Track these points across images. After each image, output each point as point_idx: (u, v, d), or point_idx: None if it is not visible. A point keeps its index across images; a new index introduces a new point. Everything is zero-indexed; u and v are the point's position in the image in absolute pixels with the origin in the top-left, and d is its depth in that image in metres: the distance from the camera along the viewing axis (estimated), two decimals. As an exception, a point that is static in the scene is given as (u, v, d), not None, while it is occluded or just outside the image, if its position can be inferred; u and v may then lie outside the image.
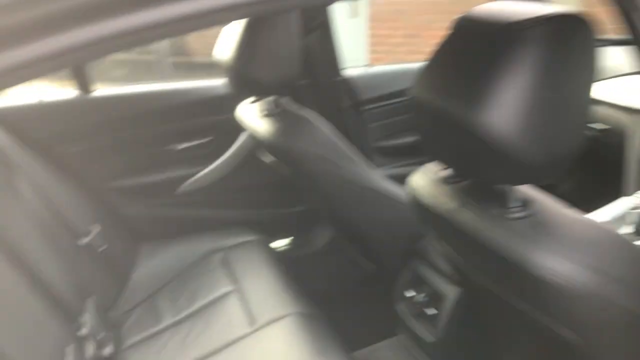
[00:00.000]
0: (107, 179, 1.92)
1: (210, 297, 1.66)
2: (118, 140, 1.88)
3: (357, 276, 1.80)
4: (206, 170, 1.95)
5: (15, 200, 1.58)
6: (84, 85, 1.84)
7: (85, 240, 1.71)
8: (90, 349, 1.47)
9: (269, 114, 1.56)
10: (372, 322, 1.71)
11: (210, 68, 1.78)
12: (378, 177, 1.54)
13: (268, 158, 1.72)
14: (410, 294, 1.57)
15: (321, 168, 1.50)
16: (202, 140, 1.95)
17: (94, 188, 1.90)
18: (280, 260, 1.81)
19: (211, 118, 1.94)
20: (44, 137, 1.80)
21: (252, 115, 1.63)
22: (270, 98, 1.57)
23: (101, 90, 1.89)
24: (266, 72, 1.48)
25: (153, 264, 1.90)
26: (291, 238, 2.13)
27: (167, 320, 1.65)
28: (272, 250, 1.88)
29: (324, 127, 1.52)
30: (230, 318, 1.56)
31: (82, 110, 1.84)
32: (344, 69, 2.08)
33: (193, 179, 1.96)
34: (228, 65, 1.51)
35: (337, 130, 1.54)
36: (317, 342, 1.42)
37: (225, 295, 1.65)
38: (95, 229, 1.75)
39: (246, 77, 1.50)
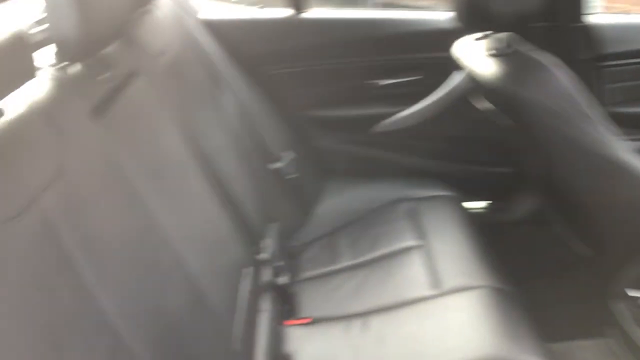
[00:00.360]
0: (306, 107, 1.85)
1: (393, 247, 1.53)
2: (323, 67, 1.78)
3: (565, 258, 1.53)
4: (408, 111, 1.78)
5: (216, 113, 1.56)
6: (299, 3, 1.75)
7: (276, 165, 1.67)
8: (266, 274, 1.43)
9: (498, 53, 1.33)
10: (577, 315, 1.46)
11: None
12: (623, 147, 1.25)
13: (483, 105, 1.51)
14: (634, 293, 1.28)
15: (551, 124, 1.25)
16: (409, 78, 1.78)
17: (292, 114, 1.85)
18: (474, 223, 1.61)
19: (424, 54, 1.75)
20: (251, 55, 1.77)
21: (476, 54, 1.41)
22: (503, 35, 1.34)
23: (315, 11, 1.79)
24: (504, 3, 1.25)
25: (338, 201, 1.81)
26: (488, 202, 1.90)
27: (345, 262, 1.55)
28: (466, 210, 1.68)
29: (563, 77, 1.26)
30: (412, 275, 1.42)
31: (293, 31, 1.76)
32: (586, 14, 1.74)
33: (392, 118, 1.81)
34: None
35: (580, 84, 1.27)
36: (510, 323, 1.22)
37: (409, 250, 1.50)
38: (288, 156, 1.70)
39: (479, 9, 1.28)
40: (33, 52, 0.72)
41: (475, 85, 1.47)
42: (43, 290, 0.63)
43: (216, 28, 1.74)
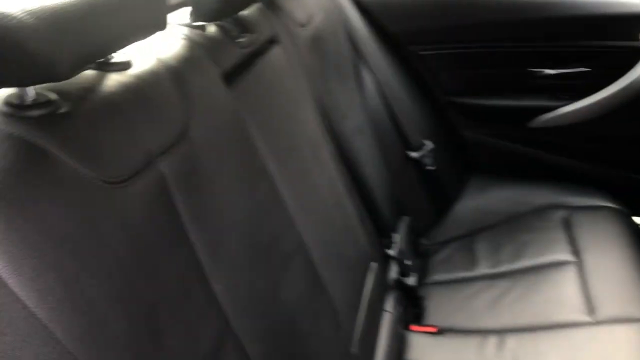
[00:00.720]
0: (453, 93, 1.69)
1: (541, 259, 1.34)
2: (477, 49, 1.60)
3: None
4: (575, 105, 1.55)
5: (356, 92, 1.46)
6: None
7: (415, 154, 1.54)
8: (393, 272, 1.31)
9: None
10: None
11: None
12: None
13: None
14: None
15: None
16: (576, 69, 1.55)
17: (436, 100, 1.69)
18: (641, 242, 1.37)
19: (602, 42, 1.51)
20: (399, 33, 1.64)
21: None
22: None
23: (474, -12, 1.62)
24: None
25: (480, 199, 1.64)
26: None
27: (483, 269, 1.39)
28: (634, 226, 1.43)
29: None
30: (562, 295, 1.22)
31: (447, 9, 1.60)
32: None
33: (554, 113, 1.59)
34: None
35: None
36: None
37: (560, 265, 1.30)
38: (428, 145, 1.56)
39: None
40: (166, 5, 0.66)
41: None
42: (149, 266, 0.56)
43: (364, 3, 1.63)
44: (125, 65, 0.66)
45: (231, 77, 0.85)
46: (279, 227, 0.83)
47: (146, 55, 0.71)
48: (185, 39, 0.80)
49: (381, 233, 1.29)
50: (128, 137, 0.59)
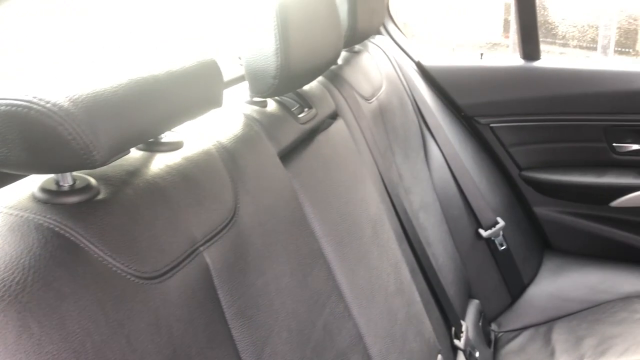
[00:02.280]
0: (527, 167, 1.59)
1: (632, 357, 1.19)
2: (553, 122, 1.51)
3: None
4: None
5: (424, 165, 1.40)
6: (530, 51, 1.52)
7: (486, 232, 1.44)
8: (461, 363, 1.19)
9: None
10: None
11: None
12: None
13: None
14: None
15: None
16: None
17: (508, 174, 1.60)
18: None
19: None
20: (469, 105, 1.57)
21: None
22: None
23: (547, 60, 1.54)
24: None
25: (557, 283, 1.50)
26: None
27: (561, 363, 1.25)
28: None
29: None
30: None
31: (521, 80, 1.53)
32: None
33: (638, 192, 1.46)
34: None
35: None
36: None
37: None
38: (500, 223, 1.45)
39: None
40: (222, 81, 0.63)
41: None
42: None
43: (434, 74, 1.59)
44: (175, 146, 0.63)
45: (289, 154, 0.81)
46: (335, 319, 0.76)
47: (199, 134, 0.68)
48: (242, 115, 0.77)
49: (448, 320, 1.18)
50: (171, 225, 0.54)
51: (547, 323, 1.40)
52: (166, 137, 0.63)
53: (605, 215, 1.54)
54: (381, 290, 0.90)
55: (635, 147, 1.47)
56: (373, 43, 1.44)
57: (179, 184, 0.58)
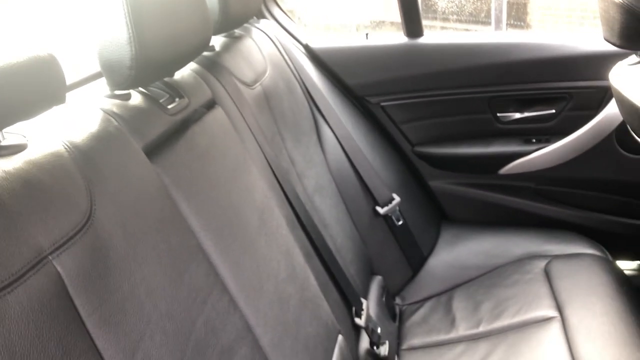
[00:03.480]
0: (419, 143, 1.63)
1: (523, 317, 1.25)
2: (441, 97, 1.55)
3: None
4: (545, 150, 1.49)
5: (317, 148, 1.39)
6: (413, 29, 1.55)
7: (383, 209, 1.46)
8: (364, 342, 1.21)
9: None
10: None
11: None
12: None
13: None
14: None
15: None
16: (546, 112, 1.50)
17: (400, 151, 1.63)
18: (627, 291, 1.28)
19: (565, 84, 1.46)
20: (359, 85, 1.58)
21: (635, 81, 1.12)
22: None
23: (431, 36, 1.58)
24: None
25: (455, 253, 1.55)
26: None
27: (462, 330, 1.29)
28: (618, 273, 1.35)
29: None
30: (547, 355, 1.13)
31: (407, 58, 1.56)
32: None
33: (524, 159, 1.53)
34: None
35: None
36: None
37: (543, 322, 1.21)
38: (396, 199, 1.48)
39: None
40: (63, 77, 0.58)
41: (631, 120, 1.17)
42: None
43: (322, 56, 1.58)
44: (17, 149, 0.58)
45: (157, 148, 0.77)
46: (217, 315, 0.73)
47: (47, 135, 0.63)
48: (100, 111, 0.72)
49: (349, 300, 1.19)
50: (9, 236, 0.50)
51: (448, 292, 1.45)
52: (6, 140, 0.58)
53: (494, 184, 1.60)
54: (270, 279, 0.89)
55: (517, 115, 1.53)
56: (257, 27, 1.42)
57: (19, 190, 0.53)
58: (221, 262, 0.79)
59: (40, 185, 0.56)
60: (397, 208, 1.48)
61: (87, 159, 0.63)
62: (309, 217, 1.16)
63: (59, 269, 0.53)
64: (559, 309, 1.22)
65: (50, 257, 0.53)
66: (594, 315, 1.18)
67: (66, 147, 0.62)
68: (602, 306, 1.20)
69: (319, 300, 1.04)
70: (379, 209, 1.45)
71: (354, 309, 1.19)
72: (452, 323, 1.33)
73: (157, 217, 0.70)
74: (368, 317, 1.21)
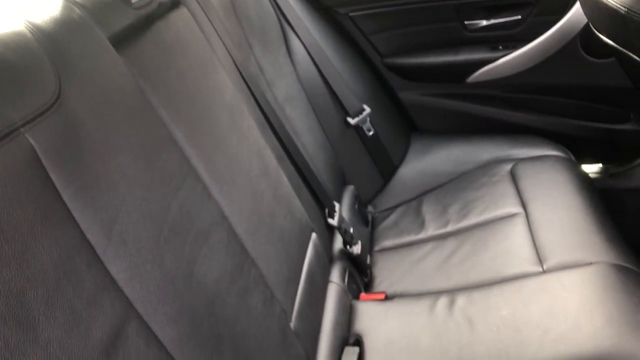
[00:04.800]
0: (386, 54, 1.63)
1: (489, 215, 1.30)
2: (406, 6, 1.55)
3: None
4: (510, 56, 1.51)
5: (286, 59, 1.39)
6: None
7: (353, 120, 1.48)
8: (338, 242, 1.26)
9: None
10: None
11: None
12: None
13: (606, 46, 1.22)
14: None
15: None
16: (513, 18, 1.51)
17: (370, 62, 1.63)
18: (590, 189, 1.34)
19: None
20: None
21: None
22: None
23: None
24: None
25: (425, 161, 1.60)
26: (605, 165, 1.61)
27: (431, 231, 1.35)
28: (579, 173, 1.41)
29: None
30: (510, 248, 1.19)
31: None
32: None
33: (489, 66, 1.55)
34: None
35: None
36: (634, 310, 0.96)
37: (508, 218, 1.27)
38: (366, 110, 1.50)
39: None
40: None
41: (597, 21, 1.19)
42: (15, 249, 0.49)
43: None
44: None
45: (123, 40, 0.77)
46: (192, 202, 0.76)
47: (12, 18, 0.63)
48: (61, 1, 0.72)
49: (321, 202, 1.23)
50: None
51: (418, 198, 1.50)
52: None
53: (462, 93, 1.63)
54: (243, 174, 0.92)
55: (484, 23, 1.54)
56: None
57: None
58: (193, 154, 0.81)
59: (5, 63, 0.56)
60: (368, 119, 1.50)
61: (51, 42, 0.63)
62: (279, 122, 1.18)
63: (31, 141, 0.55)
64: (523, 205, 1.28)
65: (22, 130, 0.54)
66: (555, 209, 1.24)
67: (30, 29, 0.62)
68: (564, 201, 1.26)
69: (292, 198, 1.08)
70: (349, 119, 1.48)
71: (326, 210, 1.23)
72: (421, 225, 1.38)
73: (127, 105, 0.71)
74: (341, 219, 1.25)
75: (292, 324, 0.92)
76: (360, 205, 1.45)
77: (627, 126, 1.54)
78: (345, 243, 1.25)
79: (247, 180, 0.92)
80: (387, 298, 1.20)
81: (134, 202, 0.65)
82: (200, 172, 0.80)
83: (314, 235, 1.12)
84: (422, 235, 1.35)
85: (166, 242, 0.68)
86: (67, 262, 0.54)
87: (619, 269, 1.06)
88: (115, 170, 0.64)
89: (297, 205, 1.08)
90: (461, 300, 1.09)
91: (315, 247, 1.12)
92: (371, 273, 1.29)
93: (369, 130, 1.51)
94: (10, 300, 0.47)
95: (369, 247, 1.36)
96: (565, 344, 0.92)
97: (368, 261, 1.31)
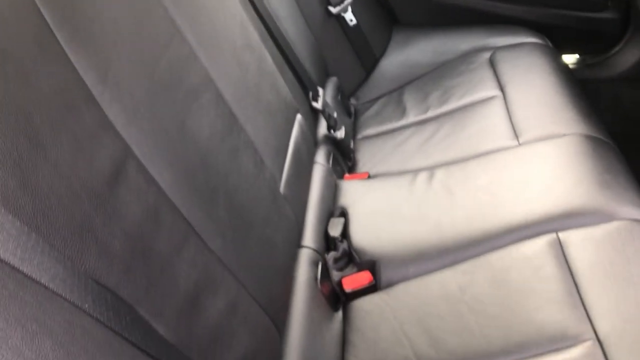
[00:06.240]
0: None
1: (468, 99, 1.34)
2: None
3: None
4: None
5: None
6: None
7: (335, 9, 1.48)
8: (322, 127, 1.29)
9: None
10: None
11: None
12: None
13: None
14: None
15: None
16: None
17: None
18: (564, 71, 1.38)
19: None
20: None
21: None
22: None
23: None
24: None
25: (406, 53, 1.61)
26: (583, 54, 1.65)
27: (411, 117, 1.38)
28: (557, 58, 1.44)
29: None
30: (488, 127, 1.24)
31: None
32: None
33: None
34: None
35: None
36: (603, 172, 1.03)
37: (486, 101, 1.31)
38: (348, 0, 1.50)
39: None
40: None
41: None
42: (20, 72, 0.51)
43: None
44: None
45: None
46: (180, 61, 0.78)
47: None
48: None
49: (305, 85, 1.25)
50: None
51: (399, 89, 1.52)
52: None
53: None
54: (227, 42, 0.93)
55: None
56: None
57: None
58: (177, 14, 0.81)
59: None
60: (349, 8, 1.50)
61: None
62: (263, 7, 1.18)
63: None
64: (501, 88, 1.31)
65: None
66: (532, 89, 1.28)
67: None
68: (541, 82, 1.30)
69: (277, 75, 1.09)
70: (331, 8, 1.47)
71: (310, 93, 1.25)
72: (402, 112, 1.42)
73: None
74: (325, 103, 1.28)
75: (281, 189, 0.96)
76: (343, 97, 1.48)
77: (605, 14, 1.56)
78: (329, 127, 1.28)
79: (232, 49, 0.93)
80: (370, 177, 1.25)
81: (126, 51, 0.67)
82: (186, 35, 0.81)
83: (299, 116, 1.15)
84: (403, 121, 1.39)
85: (157, 94, 0.71)
86: (67, 95, 0.56)
87: (590, 139, 1.11)
88: (107, 18, 0.66)
89: (281, 82, 1.10)
90: (440, 174, 1.14)
91: (301, 127, 1.15)
92: (354, 157, 1.34)
93: (351, 21, 1.51)
94: (19, 118, 0.49)
95: (352, 134, 1.40)
96: (537, 203, 0.99)
97: (351, 146, 1.35)
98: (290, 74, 1.19)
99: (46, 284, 0.41)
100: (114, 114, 0.62)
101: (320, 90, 1.29)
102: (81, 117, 0.57)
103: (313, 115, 1.28)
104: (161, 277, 0.61)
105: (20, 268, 0.40)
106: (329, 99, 1.36)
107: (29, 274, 0.40)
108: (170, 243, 0.64)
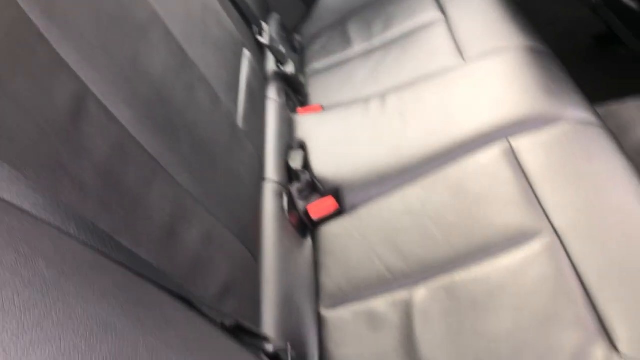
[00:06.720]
0: None
1: (410, 24, 1.35)
2: None
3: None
4: None
5: None
6: None
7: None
8: (270, 63, 1.28)
9: None
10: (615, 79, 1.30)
11: None
12: None
13: None
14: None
15: None
16: None
17: None
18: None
19: None
20: None
21: None
22: None
23: None
24: None
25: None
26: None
27: (357, 47, 1.39)
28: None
29: None
30: (433, 48, 1.25)
31: None
32: None
33: None
34: None
35: None
36: (548, 81, 1.07)
37: (427, 25, 1.32)
38: None
39: None
40: None
41: None
42: None
43: None
44: None
45: None
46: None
47: None
48: None
49: (249, 20, 1.23)
50: None
51: (342, 20, 1.52)
52: None
53: None
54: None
55: None
56: None
57: None
58: None
59: None
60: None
61: None
62: None
63: None
64: (442, 10, 1.33)
65: None
66: (472, 7, 1.29)
67: None
68: (481, 3, 1.31)
69: (220, 11, 1.07)
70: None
71: (255, 27, 1.24)
72: (348, 43, 1.42)
73: None
74: (271, 38, 1.27)
75: (239, 124, 0.96)
76: (287, 32, 1.46)
77: None
78: (277, 63, 1.27)
79: None
80: (324, 110, 1.26)
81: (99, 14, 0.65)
82: None
83: (246, 51, 1.14)
84: (349, 52, 1.39)
85: (107, 30, 0.69)
86: (16, 31, 0.54)
87: (532, 49, 1.15)
88: None
89: (225, 17, 1.08)
90: (391, 98, 1.16)
91: (250, 63, 1.14)
92: (305, 91, 1.34)
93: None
94: None
95: (301, 69, 1.40)
96: (487, 115, 1.02)
97: (302, 81, 1.35)
98: (232, 9, 1.17)
99: (29, 211, 0.41)
100: (66, 52, 0.61)
101: (265, 26, 1.27)
102: (34, 54, 0.56)
103: (260, 52, 1.26)
104: (136, 210, 0.61)
105: (1, 195, 0.39)
106: (274, 34, 1.34)
107: (10, 200, 0.40)
108: (139, 177, 0.64)
